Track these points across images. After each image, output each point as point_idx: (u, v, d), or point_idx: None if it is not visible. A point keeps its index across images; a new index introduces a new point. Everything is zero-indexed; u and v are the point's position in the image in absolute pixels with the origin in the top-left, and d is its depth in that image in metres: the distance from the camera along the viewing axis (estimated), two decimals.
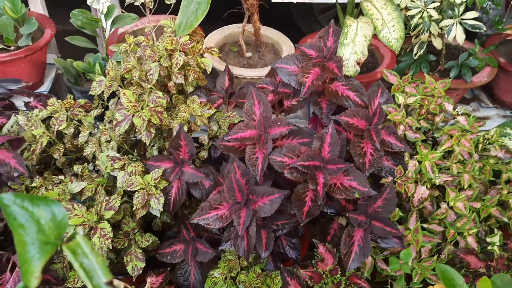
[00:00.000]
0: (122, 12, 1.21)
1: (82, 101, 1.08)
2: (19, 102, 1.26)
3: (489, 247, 0.99)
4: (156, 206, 0.92)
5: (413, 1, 1.04)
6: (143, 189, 0.92)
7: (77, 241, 0.34)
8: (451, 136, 0.97)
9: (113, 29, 1.25)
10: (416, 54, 1.14)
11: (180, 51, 0.95)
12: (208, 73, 0.99)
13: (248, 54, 1.27)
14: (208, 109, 0.98)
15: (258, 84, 1.05)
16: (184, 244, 1.00)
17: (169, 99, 1.01)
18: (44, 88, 1.38)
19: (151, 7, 1.21)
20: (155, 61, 0.94)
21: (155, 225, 1.07)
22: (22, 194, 0.38)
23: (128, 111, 0.93)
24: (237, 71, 1.18)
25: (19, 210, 0.38)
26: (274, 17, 1.47)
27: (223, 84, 1.09)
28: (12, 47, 1.24)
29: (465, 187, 0.97)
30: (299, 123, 1.29)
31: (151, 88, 0.95)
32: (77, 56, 1.29)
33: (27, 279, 0.35)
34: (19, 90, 1.18)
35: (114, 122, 0.94)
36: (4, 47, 1.24)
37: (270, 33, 1.33)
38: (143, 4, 1.14)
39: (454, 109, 0.99)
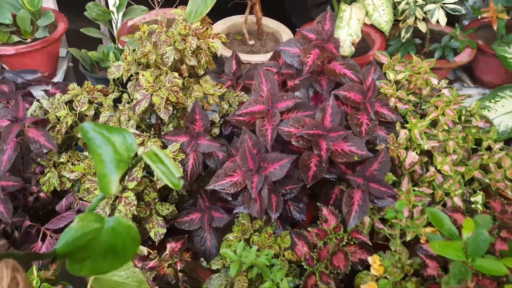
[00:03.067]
0: (131, 4, 1.31)
1: (99, 86, 1.17)
2: (36, 92, 1.34)
3: (473, 206, 1.11)
4: None
5: None
6: None
7: (152, 151, 0.43)
8: (437, 107, 1.09)
9: (123, 21, 1.34)
10: (403, 37, 1.26)
11: (193, 35, 1.05)
12: (218, 56, 1.09)
13: (251, 42, 1.38)
14: (219, 88, 1.08)
15: (263, 67, 1.15)
16: (200, 213, 1.10)
17: (182, 82, 1.10)
18: (57, 79, 1.46)
19: (159, 0, 1.31)
20: (170, 45, 1.04)
21: (171, 198, 1.16)
22: (99, 123, 0.47)
23: (147, 90, 1.02)
24: (243, 57, 1.28)
25: (97, 136, 0.46)
26: (268, 13, 1.57)
27: (231, 68, 1.19)
28: (29, 40, 1.32)
29: (450, 152, 1.09)
30: None
31: (167, 70, 1.05)
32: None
33: (107, 189, 0.44)
34: (38, 79, 1.26)
35: (134, 102, 1.03)
36: (21, 39, 1.32)
37: (270, 23, 1.43)
38: None
39: (438, 83, 1.11)
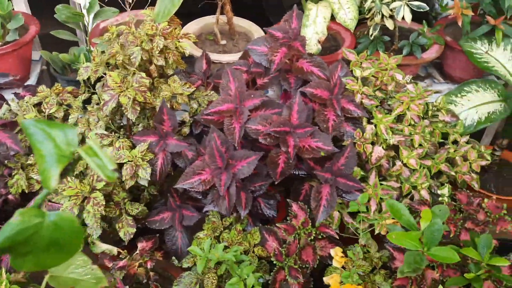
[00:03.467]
0: (102, 6, 1.31)
1: (69, 88, 1.18)
2: (8, 95, 1.33)
3: (440, 198, 1.13)
4: (144, 176, 1.02)
5: None
6: (131, 161, 1.02)
7: (88, 145, 0.44)
8: (402, 102, 1.11)
9: (95, 23, 1.34)
10: (371, 35, 1.28)
11: (160, 35, 1.06)
12: (186, 55, 1.10)
13: (223, 42, 1.39)
14: (188, 87, 1.09)
15: (232, 66, 1.16)
16: (171, 212, 1.10)
17: (151, 82, 1.11)
18: (31, 82, 1.46)
19: (131, 1, 1.32)
20: (137, 45, 1.05)
21: (143, 198, 1.16)
22: (41, 119, 0.47)
23: (114, 91, 1.03)
24: (213, 56, 1.29)
25: (38, 131, 0.47)
26: (246, 13, 1.59)
27: (201, 68, 1.20)
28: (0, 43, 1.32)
29: (416, 146, 1.11)
30: None
31: (134, 70, 1.05)
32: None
33: (48, 183, 0.44)
34: (10, 82, 1.26)
35: (102, 102, 1.04)
36: None
37: (242, 23, 1.45)
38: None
39: (403, 79, 1.13)
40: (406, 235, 0.74)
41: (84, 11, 1.30)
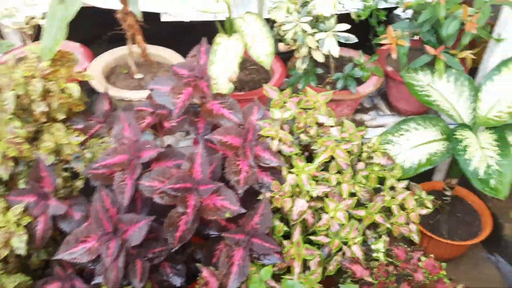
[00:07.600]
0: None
1: None
2: None
3: (374, 254, 0.99)
4: (18, 245, 0.85)
5: (287, 16, 1.06)
6: (4, 227, 0.85)
7: None
8: (327, 148, 0.97)
9: None
10: (299, 68, 1.15)
11: (40, 77, 0.90)
12: (74, 97, 0.95)
13: (139, 76, 1.24)
14: (77, 136, 0.94)
15: (136, 107, 1.01)
16: (60, 282, 0.93)
17: (36, 130, 0.95)
18: None
19: (31, 33, 1.16)
20: (12, 89, 0.89)
21: (31, 264, 0.99)
22: None
23: None
24: (123, 93, 1.14)
25: None
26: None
27: (102, 109, 1.05)
28: None
29: (345, 196, 0.98)
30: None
31: (10, 118, 0.89)
32: None
33: None
34: None
35: None
36: None
37: (164, 53, 1.30)
38: (23, 32, 1.09)
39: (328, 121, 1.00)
40: None
41: None
